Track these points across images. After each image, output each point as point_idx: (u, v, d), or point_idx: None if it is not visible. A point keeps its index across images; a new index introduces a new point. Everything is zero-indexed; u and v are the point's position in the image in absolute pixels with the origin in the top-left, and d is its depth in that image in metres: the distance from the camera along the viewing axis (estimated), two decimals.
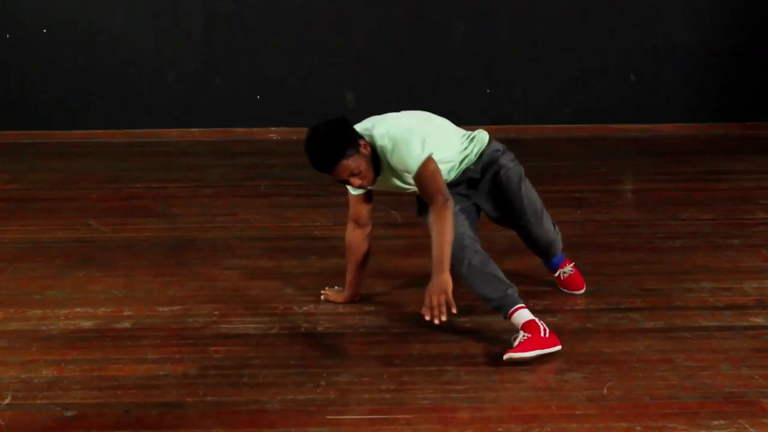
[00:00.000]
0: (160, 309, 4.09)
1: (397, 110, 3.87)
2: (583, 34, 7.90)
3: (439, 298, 3.40)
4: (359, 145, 3.59)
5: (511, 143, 8.08)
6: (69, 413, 3.17)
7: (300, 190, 6.03)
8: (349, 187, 3.85)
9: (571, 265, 4.25)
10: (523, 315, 3.57)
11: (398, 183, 3.79)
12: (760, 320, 3.92)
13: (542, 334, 3.51)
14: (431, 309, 3.40)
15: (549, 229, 4.04)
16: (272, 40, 7.85)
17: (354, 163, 3.56)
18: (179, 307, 4.11)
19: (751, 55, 7.96)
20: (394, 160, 3.65)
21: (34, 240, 5.08)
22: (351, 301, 4.12)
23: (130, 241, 5.06)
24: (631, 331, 3.82)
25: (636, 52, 7.93)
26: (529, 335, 3.50)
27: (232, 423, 3.09)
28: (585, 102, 8.00)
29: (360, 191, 3.88)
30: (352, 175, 3.59)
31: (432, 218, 3.58)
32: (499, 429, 3.03)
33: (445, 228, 3.51)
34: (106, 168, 6.79)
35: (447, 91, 7.93)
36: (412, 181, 3.71)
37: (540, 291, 4.25)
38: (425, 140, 3.64)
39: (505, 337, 3.71)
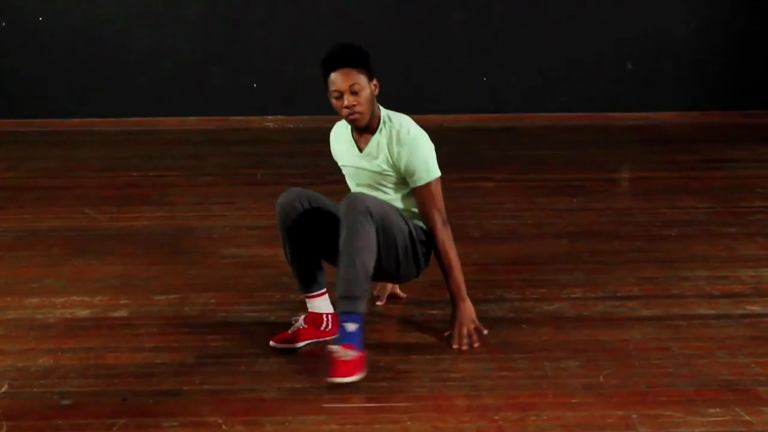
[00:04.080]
0: (157, 297, 4.09)
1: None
2: (580, 22, 7.88)
3: (469, 327, 3.56)
4: (373, 77, 3.53)
5: (508, 131, 8.06)
6: (66, 401, 3.17)
7: (297, 178, 6.02)
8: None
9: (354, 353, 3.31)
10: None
11: (377, 170, 3.55)
12: (756, 308, 3.92)
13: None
14: (462, 338, 3.53)
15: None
16: (269, 28, 7.83)
17: (362, 82, 3.47)
18: (176, 295, 4.11)
19: (749, 44, 7.95)
20: (402, 152, 3.47)
21: (30, 228, 5.07)
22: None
23: (127, 230, 5.05)
24: (627, 319, 3.82)
25: (633, 40, 7.92)
26: None
27: (229, 411, 3.09)
28: (582, 90, 7.99)
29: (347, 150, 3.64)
30: (353, 92, 3.45)
31: (440, 245, 3.54)
32: (496, 417, 3.03)
33: (455, 255, 3.57)
34: (103, 156, 6.78)
35: (444, 79, 7.91)
36: (390, 179, 3.54)
37: (537, 279, 4.25)
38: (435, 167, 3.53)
39: (501, 326, 3.72)
